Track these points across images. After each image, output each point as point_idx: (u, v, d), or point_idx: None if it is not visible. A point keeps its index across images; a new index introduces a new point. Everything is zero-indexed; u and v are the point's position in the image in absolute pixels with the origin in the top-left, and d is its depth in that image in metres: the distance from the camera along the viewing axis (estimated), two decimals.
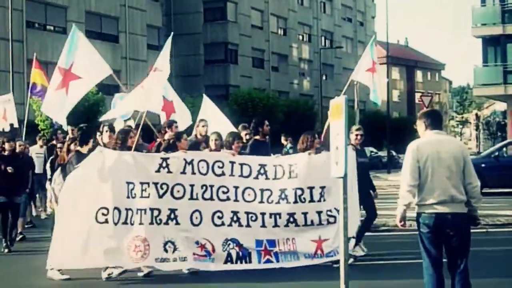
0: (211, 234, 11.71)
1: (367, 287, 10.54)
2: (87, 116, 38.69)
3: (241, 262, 11.78)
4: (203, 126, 14.70)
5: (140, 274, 11.57)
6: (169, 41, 13.84)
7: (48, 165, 15.26)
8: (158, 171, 11.56)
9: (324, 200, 12.09)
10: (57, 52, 50.22)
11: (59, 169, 12.57)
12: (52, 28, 48.80)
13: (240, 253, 11.79)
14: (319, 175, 11.89)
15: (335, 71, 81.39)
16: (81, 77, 13.95)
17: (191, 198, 11.70)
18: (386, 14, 56.27)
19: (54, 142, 18.94)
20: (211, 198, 11.78)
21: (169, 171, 11.61)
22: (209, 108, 18.59)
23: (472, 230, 8.10)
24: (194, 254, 11.64)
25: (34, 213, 20.19)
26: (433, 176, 7.87)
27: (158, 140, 14.55)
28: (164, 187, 11.55)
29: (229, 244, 11.75)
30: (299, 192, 11.98)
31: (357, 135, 13.28)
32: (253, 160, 12.25)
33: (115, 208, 11.25)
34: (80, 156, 11.75)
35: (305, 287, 11.08)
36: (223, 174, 11.89)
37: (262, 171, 12.05)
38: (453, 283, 7.96)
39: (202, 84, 61.63)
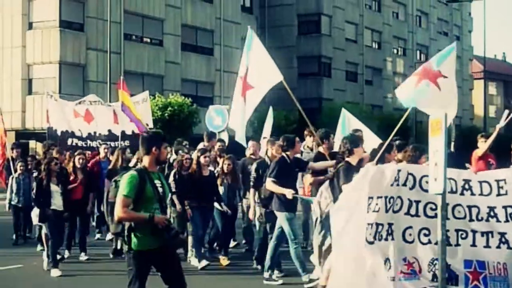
0: (419, 252, 10.86)
1: None
2: (182, 128, 39.27)
3: (447, 283, 10.69)
4: None
5: None
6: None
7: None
8: (392, 184, 10.67)
9: None
10: (153, 64, 51.31)
11: (327, 182, 11.45)
12: (148, 40, 49.72)
13: (447, 274, 10.73)
14: None
15: None
16: (254, 86, 13.63)
17: (407, 213, 10.83)
18: (484, 28, 55.12)
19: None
20: (417, 215, 10.86)
21: (397, 184, 10.73)
22: (351, 121, 18.46)
23: None
24: (401, 272, 10.72)
25: None
26: None
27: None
28: (391, 201, 10.69)
29: (436, 264, 10.76)
30: (510, 210, 10.97)
31: None
32: (458, 174, 11.20)
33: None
34: (350, 168, 10.87)
35: None
36: None
37: (467, 186, 11.04)
38: None
39: (296, 97, 61.39)
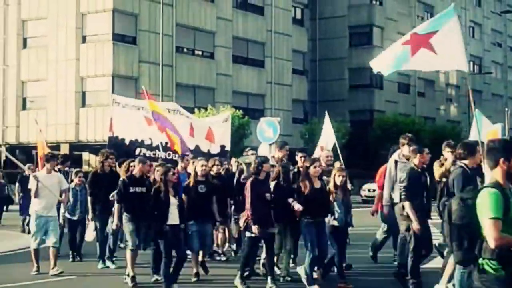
0: None
1: None
2: (233, 140, 39.30)
3: None
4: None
5: None
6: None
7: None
8: None
9: None
10: (204, 76, 51.50)
11: None
12: (200, 53, 50.01)
13: None
14: None
15: (483, 97, 79.16)
16: (437, 53, 12.64)
17: None
18: None
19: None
20: None
21: None
22: (484, 122, 17.93)
23: None
24: None
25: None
26: None
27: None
28: None
29: None
30: None
31: None
32: None
33: None
34: None
35: None
36: None
37: None
38: None
39: (347, 109, 61.35)
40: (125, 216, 13.31)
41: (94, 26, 44.54)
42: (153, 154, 18.53)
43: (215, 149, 19.69)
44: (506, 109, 24.84)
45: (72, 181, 16.86)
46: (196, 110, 41.12)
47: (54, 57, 45.33)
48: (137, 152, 18.39)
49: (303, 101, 58.60)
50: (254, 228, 12.31)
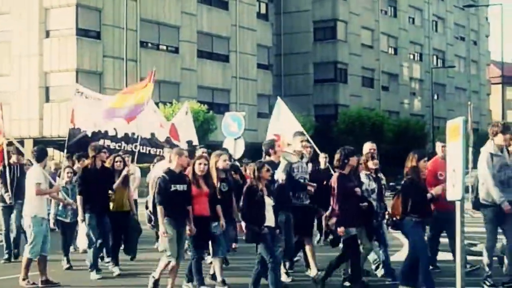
0: None
1: None
2: (198, 135, 39.24)
3: None
4: None
5: None
6: None
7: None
8: None
9: None
10: (169, 71, 51.26)
11: None
12: (164, 47, 49.84)
13: None
14: None
15: (447, 90, 79.90)
16: None
17: None
18: (501, 32, 55.18)
19: None
20: None
21: None
22: None
23: None
24: None
25: None
26: None
27: None
28: None
29: None
30: None
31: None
32: None
33: None
34: None
35: None
36: None
37: None
38: None
39: (311, 103, 61.60)
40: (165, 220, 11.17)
41: (57, 21, 44.16)
42: (118, 146, 17.50)
43: (183, 146, 19.34)
44: (469, 102, 25.01)
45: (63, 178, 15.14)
46: (160, 105, 40.94)
47: (17, 52, 44.90)
48: (100, 143, 16.85)
49: (268, 96, 58.66)
50: (340, 230, 10.98)
